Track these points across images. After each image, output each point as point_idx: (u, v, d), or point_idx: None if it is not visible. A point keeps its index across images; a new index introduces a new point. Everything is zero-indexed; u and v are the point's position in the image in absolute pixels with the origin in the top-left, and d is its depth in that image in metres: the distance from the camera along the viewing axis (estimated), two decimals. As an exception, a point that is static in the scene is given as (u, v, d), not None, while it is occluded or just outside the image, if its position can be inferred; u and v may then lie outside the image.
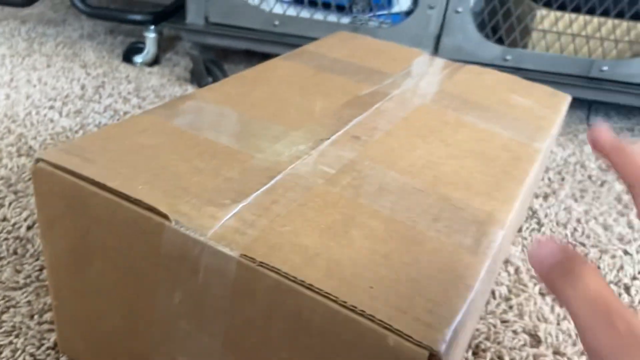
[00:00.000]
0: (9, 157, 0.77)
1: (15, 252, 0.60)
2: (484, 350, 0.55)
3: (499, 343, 0.56)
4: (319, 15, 1.01)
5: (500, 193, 0.41)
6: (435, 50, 1.00)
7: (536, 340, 0.57)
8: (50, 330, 0.51)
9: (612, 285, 0.65)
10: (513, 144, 0.49)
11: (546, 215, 0.79)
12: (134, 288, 0.37)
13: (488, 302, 0.60)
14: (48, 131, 0.85)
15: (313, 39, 0.69)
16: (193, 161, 0.39)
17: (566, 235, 0.74)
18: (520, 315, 0.59)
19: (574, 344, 0.57)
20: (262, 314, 0.31)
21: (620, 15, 0.97)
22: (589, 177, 0.91)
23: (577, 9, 0.98)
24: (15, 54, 1.12)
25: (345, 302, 0.29)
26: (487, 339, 0.56)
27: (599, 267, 0.68)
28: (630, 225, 0.78)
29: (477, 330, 0.57)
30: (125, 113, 0.94)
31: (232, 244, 0.32)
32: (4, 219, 0.65)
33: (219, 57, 1.19)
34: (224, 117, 0.46)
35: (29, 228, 0.63)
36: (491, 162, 0.45)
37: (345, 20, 1.02)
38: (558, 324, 0.59)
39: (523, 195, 0.43)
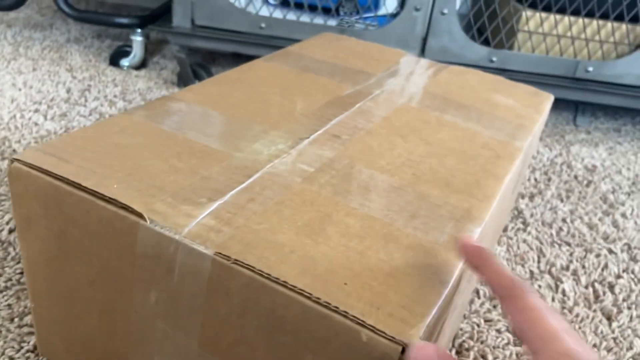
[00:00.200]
0: (-7, 160, 0.77)
1: (-4, 256, 0.59)
2: (468, 350, 0.54)
3: (482, 342, 0.56)
4: (305, 18, 1.01)
5: (479, 191, 0.41)
6: (422, 52, 1.00)
7: (519, 339, 0.57)
8: (30, 333, 0.50)
9: (596, 284, 0.66)
10: (494, 143, 0.49)
11: (532, 215, 0.79)
12: (111, 288, 0.37)
13: (472, 302, 0.60)
14: (32, 134, 0.84)
15: (299, 41, 0.69)
16: (170, 160, 0.39)
17: (551, 234, 0.75)
18: (504, 314, 0.60)
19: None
20: (237, 311, 0.31)
21: (604, 16, 0.98)
22: (575, 177, 0.92)
23: (562, 10, 0.99)
24: (1, 58, 1.11)
25: (319, 298, 0.29)
26: (470, 338, 0.56)
27: (583, 267, 0.69)
28: (615, 225, 0.79)
29: (461, 329, 0.57)
30: (111, 116, 0.94)
31: (207, 242, 0.32)
32: (-14, 222, 0.64)
33: (206, 61, 1.19)
34: (204, 117, 0.45)
35: (10, 231, 0.63)
36: (471, 160, 0.45)
37: (332, 22, 1.02)
38: (542, 322, 0.59)
39: (503, 193, 0.43)
